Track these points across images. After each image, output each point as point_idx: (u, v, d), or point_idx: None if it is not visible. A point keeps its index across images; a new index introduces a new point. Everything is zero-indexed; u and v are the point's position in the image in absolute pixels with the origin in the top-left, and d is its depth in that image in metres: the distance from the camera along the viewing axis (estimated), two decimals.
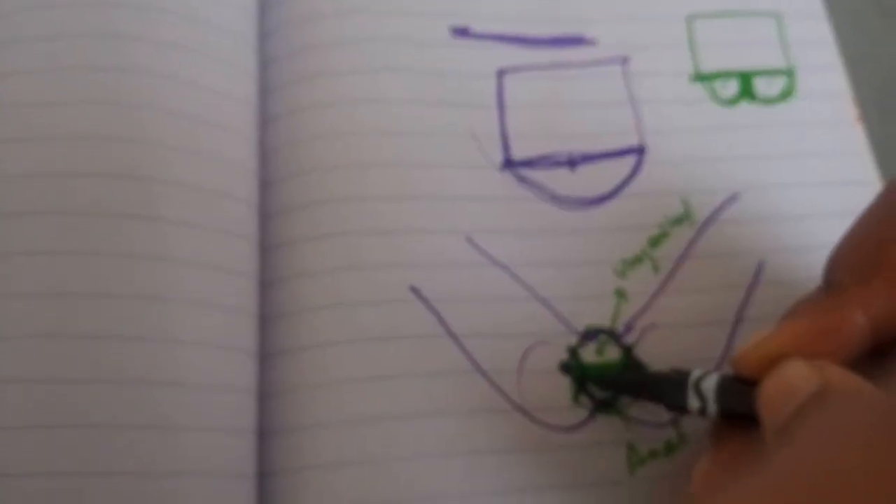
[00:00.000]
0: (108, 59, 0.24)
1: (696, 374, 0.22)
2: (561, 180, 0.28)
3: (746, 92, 0.30)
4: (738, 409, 0.21)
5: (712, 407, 0.21)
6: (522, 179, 0.28)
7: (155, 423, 0.22)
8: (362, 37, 0.28)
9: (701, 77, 0.29)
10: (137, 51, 0.24)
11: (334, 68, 0.28)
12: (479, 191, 0.27)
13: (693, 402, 0.22)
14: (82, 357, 0.22)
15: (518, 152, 0.28)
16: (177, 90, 0.25)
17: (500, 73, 0.29)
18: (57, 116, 0.24)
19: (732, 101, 0.29)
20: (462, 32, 0.29)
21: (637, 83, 0.29)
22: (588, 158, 0.28)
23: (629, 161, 0.28)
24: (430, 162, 0.27)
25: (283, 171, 0.27)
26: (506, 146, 0.28)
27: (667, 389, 0.23)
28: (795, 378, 0.19)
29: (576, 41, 0.29)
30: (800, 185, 0.29)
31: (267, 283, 0.26)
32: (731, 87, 0.30)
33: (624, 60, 0.29)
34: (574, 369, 0.26)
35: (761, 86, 0.30)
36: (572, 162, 0.28)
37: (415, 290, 0.26)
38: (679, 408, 0.22)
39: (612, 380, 0.25)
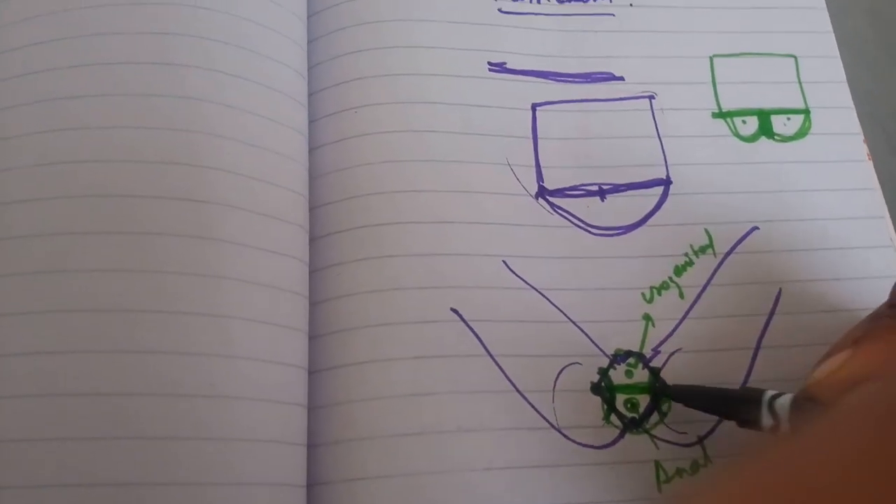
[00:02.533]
0: (170, 88, 0.26)
1: (769, 393, 0.23)
2: (592, 209, 0.29)
3: (765, 129, 0.31)
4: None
5: (786, 425, 0.23)
6: (555, 207, 0.29)
7: (211, 435, 0.23)
8: (404, 71, 0.30)
9: (722, 114, 0.31)
10: (198, 80, 0.26)
11: (377, 100, 0.29)
12: (514, 217, 0.29)
13: (767, 420, 0.23)
14: (142, 371, 0.23)
15: (551, 182, 0.29)
16: (235, 118, 0.26)
17: (534, 107, 0.30)
18: (120, 140, 0.25)
19: (752, 138, 0.31)
20: (499, 68, 0.30)
21: (663, 118, 0.31)
22: (617, 189, 0.30)
23: (656, 192, 0.30)
24: (469, 189, 0.29)
25: (329, 196, 0.28)
26: (539, 175, 0.29)
27: (740, 406, 0.24)
28: None
29: (605, 78, 0.31)
30: (815, 220, 0.30)
31: (315, 303, 0.27)
32: (751, 125, 0.31)
33: (650, 97, 0.31)
34: (604, 390, 0.27)
35: (779, 124, 0.31)
36: (602, 192, 0.29)
37: (455, 311, 0.27)
38: (751, 424, 0.24)
39: (685, 392, 0.26)
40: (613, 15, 0.32)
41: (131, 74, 0.26)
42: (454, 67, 0.30)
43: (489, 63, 0.30)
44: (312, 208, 0.28)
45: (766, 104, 0.32)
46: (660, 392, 0.27)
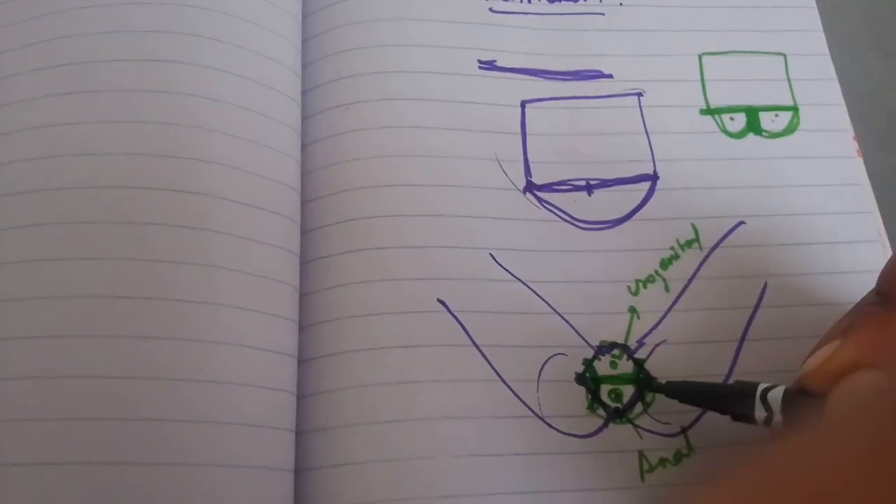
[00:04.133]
0: (164, 84, 0.26)
1: (762, 385, 0.24)
2: (579, 204, 0.30)
3: (753, 126, 0.32)
4: (803, 419, 0.23)
5: (778, 417, 0.23)
6: (543, 202, 0.30)
7: (200, 418, 0.24)
8: (395, 68, 0.30)
9: (710, 111, 0.31)
10: (191, 76, 0.27)
11: (369, 97, 0.30)
12: (502, 211, 0.29)
13: (759, 413, 0.23)
14: (133, 354, 0.24)
15: (539, 177, 0.30)
16: (228, 113, 0.27)
17: (523, 104, 0.31)
18: (115, 135, 0.26)
19: (740, 134, 0.31)
20: (488, 65, 0.31)
21: (651, 115, 0.31)
22: (605, 184, 0.30)
23: (643, 187, 0.30)
24: (458, 183, 0.29)
25: (320, 190, 0.29)
26: (528, 170, 0.30)
27: (733, 400, 0.24)
28: (867, 384, 0.20)
29: (594, 75, 0.32)
30: (802, 214, 0.30)
31: (305, 294, 0.28)
32: (739, 121, 0.32)
33: (639, 94, 0.31)
34: (588, 381, 0.27)
35: (767, 120, 0.32)
36: (590, 187, 0.30)
37: (442, 302, 0.28)
38: (744, 418, 0.24)
39: (679, 389, 0.26)
40: (603, 14, 0.32)
41: (125, 71, 0.27)
42: (444, 65, 0.31)
43: (479, 61, 0.31)
44: (305, 202, 0.29)
45: (755, 101, 0.32)
46: (645, 384, 0.27)
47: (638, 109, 0.31)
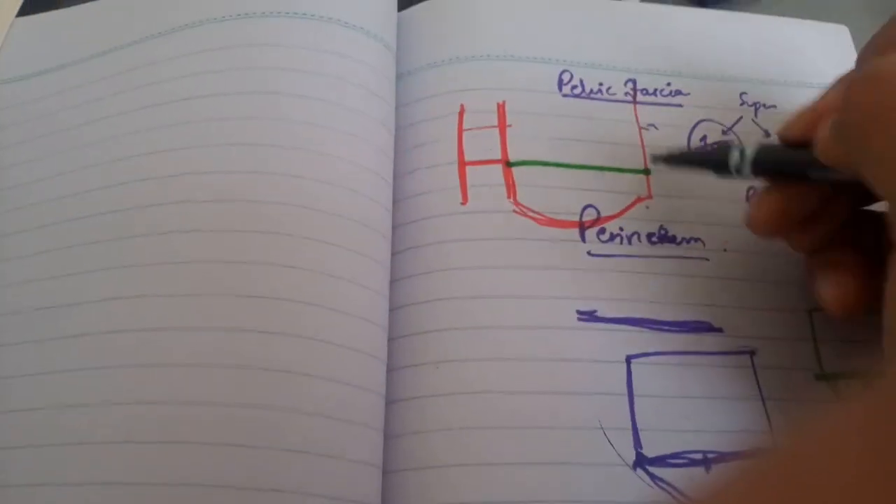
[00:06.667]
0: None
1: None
2: (696, 481, 0.26)
3: None
4: (778, 168, 0.25)
5: (748, 169, 0.26)
6: (656, 479, 0.26)
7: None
8: (491, 324, 0.27)
9: (825, 376, 0.29)
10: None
11: (463, 358, 0.27)
12: (611, 493, 0.25)
13: (734, 159, 0.26)
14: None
15: (650, 448, 0.26)
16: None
17: (629, 359, 0.28)
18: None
19: None
20: (588, 316, 0.28)
21: (765, 378, 0.28)
22: (723, 458, 0.27)
23: None
24: (563, 460, 0.26)
25: (413, 425, 0.25)
26: (637, 440, 0.26)
27: (715, 156, 0.27)
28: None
29: (703, 328, 0.29)
30: None
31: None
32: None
33: (751, 352, 0.29)
34: None
35: None
36: (707, 461, 0.26)
37: None
38: (723, 167, 0.26)
39: (678, 159, 0.29)
40: (708, 259, 0.30)
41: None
42: (542, 320, 0.28)
43: (578, 311, 0.28)
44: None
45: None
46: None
47: (751, 370, 0.28)
